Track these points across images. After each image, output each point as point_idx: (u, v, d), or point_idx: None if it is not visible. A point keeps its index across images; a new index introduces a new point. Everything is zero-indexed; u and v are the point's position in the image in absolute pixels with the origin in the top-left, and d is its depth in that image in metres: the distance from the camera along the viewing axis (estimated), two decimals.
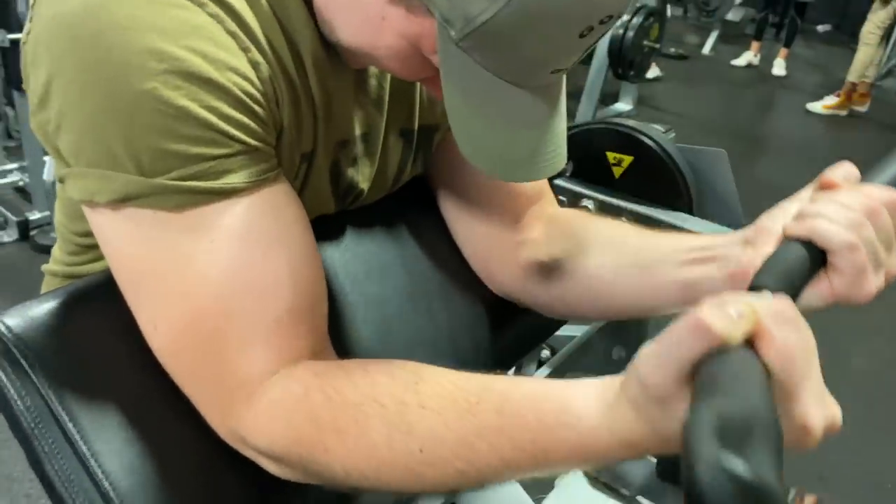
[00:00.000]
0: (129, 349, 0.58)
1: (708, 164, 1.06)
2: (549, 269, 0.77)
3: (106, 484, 0.53)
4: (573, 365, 1.14)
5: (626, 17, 4.00)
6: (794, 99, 5.91)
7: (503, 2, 0.45)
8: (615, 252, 0.72)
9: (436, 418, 0.48)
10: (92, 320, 0.59)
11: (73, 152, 0.51)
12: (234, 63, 0.51)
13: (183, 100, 0.48)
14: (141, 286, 0.53)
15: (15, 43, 2.40)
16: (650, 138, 1.06)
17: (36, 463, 0.53)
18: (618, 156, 1.10)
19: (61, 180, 0.54)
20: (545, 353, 1.29)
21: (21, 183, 2.88)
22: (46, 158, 2.43)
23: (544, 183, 0.81)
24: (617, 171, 1.11)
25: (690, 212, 1.09)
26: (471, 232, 0.81)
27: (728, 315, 0.37)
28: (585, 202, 1.10)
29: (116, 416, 0.56)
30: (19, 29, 2.40)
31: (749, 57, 6.65)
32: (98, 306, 0.60)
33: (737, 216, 1.11)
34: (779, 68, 6.52)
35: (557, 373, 1.10)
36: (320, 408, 0.51)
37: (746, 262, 0.59)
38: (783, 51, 6.54)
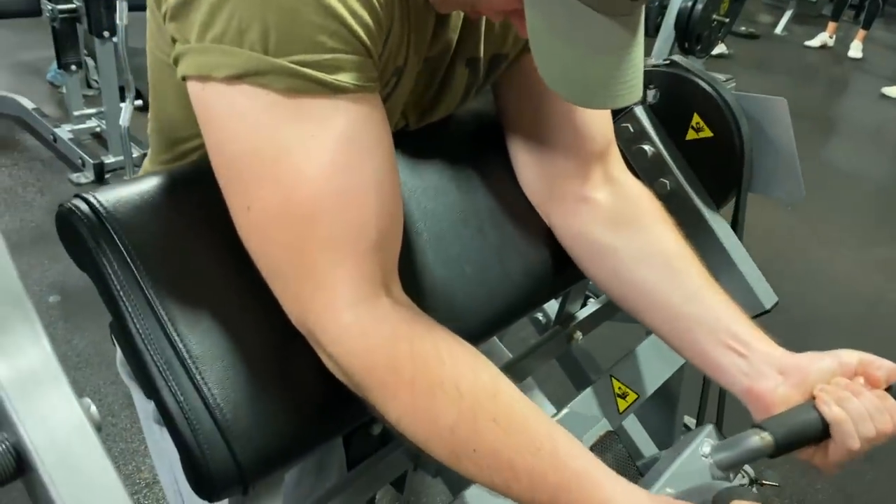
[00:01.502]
0: (211, 233, 0.63)
1: (765, 112, 1.06)
2: (600, 249, 0.80)
3: (181, 345, 0.58)
4: (617, 308, 1.16)
5: (688, 3, 3.90)
6: (870, 82, 5.68)
7: None
8: (667, 282, 0.76)
9: (501, 437, 0.56)
10: (177, 202, 0.64)
11: (200, 28, 0.53)
12: None
13: None
14: (238, 166, 0.56)
15: None
16: (711, 86, 1.06)
17: (120, 321, 0.59)
18: (702, 123, 1.09)
19: (175, 61, 0.57)
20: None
21: (98, 129, 3.02)
22: (122, 105, 2.54)
23: (613, 142, 0.82)
24: (691, 135, 1.11)
25: (741, 162, 1.08)
26: (533, 166, 0.83)
27: None
28: (645, 145, 1.10)
29: (194, 290, 0.61)
30: None
31: (824, 38, 6.40)
32: (183, 191, 0.65)
33: (794, 173, 1.10)
34: (855, 51, 6.27)
35: (602, 312, 1.12)
36: (404, 361, 0.56)
37: (768, 392, 0.69)
38: (861, 32, 6.28)
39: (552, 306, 1.27)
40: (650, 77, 1.11)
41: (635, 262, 0.77)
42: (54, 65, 3.11)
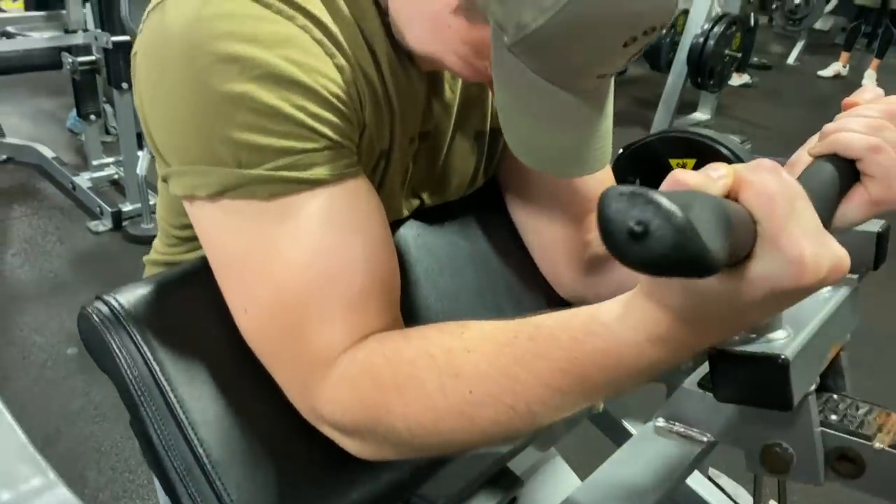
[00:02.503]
0: (223, 329, 0.63)
1: None
2: (610, 258, 0.78)
3: (200, 450, 0.58)
4: None
5: (706, 26, 3.93)
6: None
7: (553, 12, 0.49)
8: None
9: (480, 357, 0.50)
10: (192, 301, 0.64)
11: (176, 153, 0.57)
12: (322, 67, 0.55)
13: (275, 100, 0.53)
14: (233, 271, 0.58)
15: (117, 45, 2.56)
16: (724, 146, 1.05)
17: (141, 426, 0.59)
18: (681, 161, 1.08)
19: (164, 179, 0.60)
20: None
21: (116, 176, 3.07)
22: (140, 154, 2.58)
23: (609, 178, 0.82)
24: None
25: None
26: (538, 234, 0.84)
27: (706, 174, 0.38)
28: None
29: (211, 390, 0.61)
30: (122, 32, 2.56)
31: (837, 68, 6.41)
32: (197, 288, 0.65)
33: None
34: (869, 80, 6.25)
35: None
36: (380, 368, 0.54)
37: None
38: (875, 62, 6.27)
39: None
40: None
41: None
42: (74, 112, 3.16)
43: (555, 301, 0.85)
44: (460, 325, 0.54)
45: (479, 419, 0.50)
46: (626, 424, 1.26)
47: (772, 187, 0.37)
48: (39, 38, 2.79)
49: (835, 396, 0.54)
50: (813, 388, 0.49)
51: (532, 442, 0.91)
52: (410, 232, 0.80)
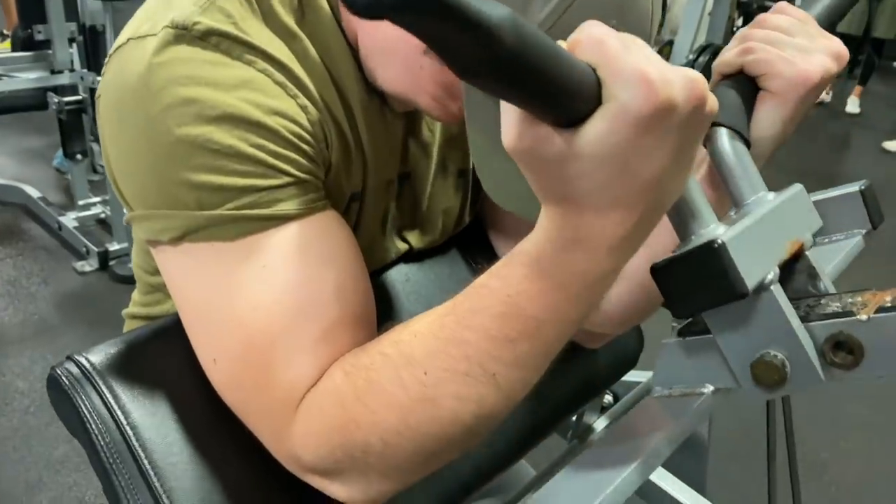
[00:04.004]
0: (200, 387, 0.60)
1: None
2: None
3: None
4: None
5: (690, 56, 3.97)
6: (870, 137, 5.71)
7: None
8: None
9: (426, 336, 0.48)
10: (166, 358, 0.61)
11: (138, 197, 0.55)
12: (282, 107, 0.54)
13: (233, 140, 0.52)
14: (199, 320, 0.55)
15: None
16: None
17: (113, 496, 0.55)
18: None
19: (129, 223, 0.58)
20: (608, 398, 1.27)
21: (103, 215, 3.03)
22: None
23: None
24: None
25: None
26: None
27: None
28: None
29: (188, 454, 0.58)
30: None
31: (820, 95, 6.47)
32: (172, 345, 0.62)
33: None
34: (852, 106, 6.32)
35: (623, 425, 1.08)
36: (341, 385, 0.51)
37: None
38: (857, 88, 6.34)
39: None
40: None
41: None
42: (61, 151, 3.14)
43: None
44: (408, 321, 0.52)
45: (442, 399, 0.47)
46: None
47: (599, 32, 0.36)
48: (25, 78, 2.78)
49: (813, 297, 0.52)
50: (771, 276, 0.45)
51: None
52: (399, 276, 0.77)
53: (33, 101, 2.71)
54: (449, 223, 0.78)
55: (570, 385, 0.85)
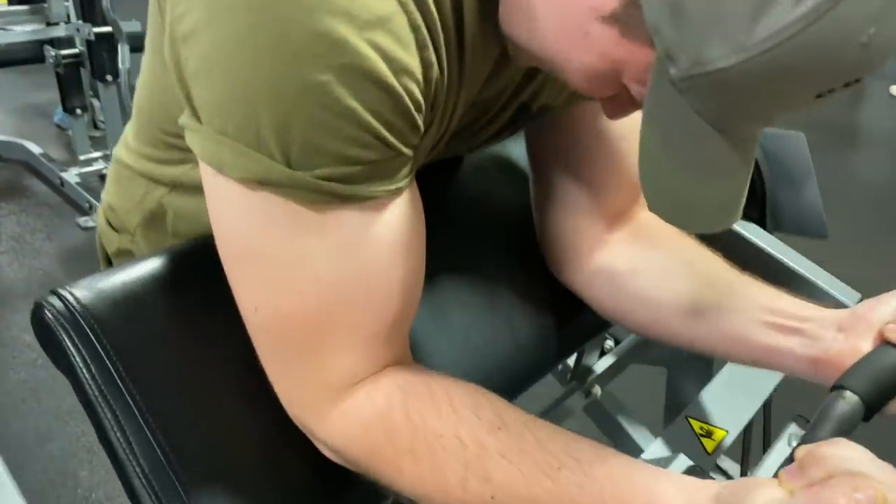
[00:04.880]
0: (195, 325, 0.59)
1: (784, 149, 1.01)
2: (620, 277, 0.75)
3: (168, 452, 0.54)
4: (636, 356, 1.11)
5: None
6: (877, 84, 5.58)
7: (752, 53, 0.39)
8: (698, 285, 0.70)
9: (514, 472, 0.49)
10: (159, 295, 0.60)
11: (212, 113, 0.47)
12: (411, 65, 0.47)
13: (352, 100, 0.44)
14: (250, 266, 0.52)
15: (99, 36, 2.51)
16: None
17: (99, 429, 0.55)
18: None
19: (183, 126, 0.50)
20: (609, 343, 1.26)
21: (105, 171, 3.01)
22: None
23: (637, 185, 0.77)
24: None
25: (763, 204, 1.04)
26: (557, 218, 0.78)
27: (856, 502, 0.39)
28: None
29: (179, 389, 0.57)
30: (104, 23, 2.51)
31: None
32: (166, 282, 0.61)
33: (817, 210, 1.05)
34: None
35: (620, 364, 1.07)
36: (401, 428, 0.52)
37: (835, 352, 0.59)
38: None
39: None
40: None
41: (660, 277, 0.72)
42: (61, 108, 3.11)
43: (551, 284, 0.81)
44: (498, 415, 0.52)
45: None
46: (621, 420, 1.22)
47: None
48: (21, 31, 2.73)
49: None
50: None
51: None
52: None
53: (29, 55, 2.68)
54: (480, 143, 0.73)
55: (572, 325, 0.84)
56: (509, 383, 0.78)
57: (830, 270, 0.98)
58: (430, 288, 0.74)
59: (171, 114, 0.57)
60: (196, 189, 0.54)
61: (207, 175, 0.50)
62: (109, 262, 0.81)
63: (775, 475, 0.45)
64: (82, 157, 2.96)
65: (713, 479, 0.74)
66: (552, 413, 0.98)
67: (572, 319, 0.84)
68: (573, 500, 0.48)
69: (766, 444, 1.14)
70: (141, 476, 0.53)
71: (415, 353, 0.70)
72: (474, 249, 0.81)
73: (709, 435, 0.92)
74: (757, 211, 1.03)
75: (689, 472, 0.74)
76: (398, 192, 0.51)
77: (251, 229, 0.50)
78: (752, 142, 0.50)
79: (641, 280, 0.73)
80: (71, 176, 2.85)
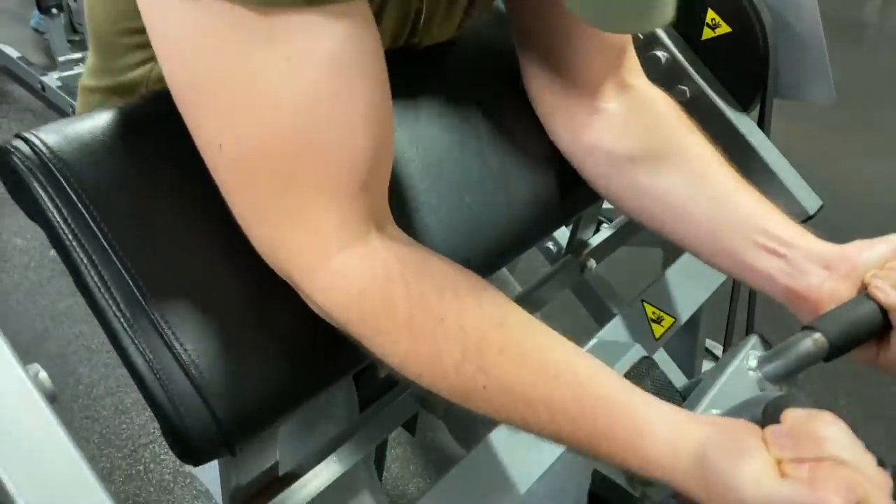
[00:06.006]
0: (169, 171, 0.56)
1: (790, 5, 0.96)
2: (615, 161, 0.72)
3: (146, 294, 0.52)
4: (633, 233, 1.09)
5: None
6: None
7: None
8: (691, 186, 0.68)
9: (511, 370, 0.50)
10: (130, 141, 0.57)
11: None
12: None
13: None
14: (203, 97, 0.48)
15: None
16: None
17: (76, 273, 0.53)
18: (718, 19, 0.98)
19: None
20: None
21: None
22: None
23: (627, 47, 0.73)
24: (707, 34, 1.00)
25: (765, 65, 0.99)
26: (542, 79, 0.75)
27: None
28: (657, 51, 1.01)
29: (154, 233, 0.55)
30: None
31: None
32: (137, 128, 0.58)
33: (824, 70, 1.00)
34: None
35: (617, 237, 1.05)
36: (399, 302, 0.50)
37: (814, 289, 0.62)
38: None
39: (563, 233, 1.20)
40: None
41: (654, 170, 0.70)
42: (36, 11, 2.99)
43: (543, 149, 0.78)
44: (501, 310, 0.52)
45: (477, 406, 0.51)
46: (610, 304, 1.22)
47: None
48: None
49: None
50: None
51: None
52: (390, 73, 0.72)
53: None
54: (455, 17, 0.72)
55: (570, 193, 0.82)
56: (503, 246, 0.77)
57: None
58: (423, 146, 0.72)
59: (130, 11, 0.55)
60: (164, 81, 0.50)
61: (147, 8, 0.48)
62: None
63: (762, 426, 0.48)
64: (61, 59, 2.86)
65: (660, 369, 0.76)
66: (545, 287, 0.97)
67: (568, 186, 0.81)
68: (564, 409, 0.49)
69: (727, 345, 1.15)
70: (121, 318, 0.52)
71: (405, 211, 0.68)
72: (468, 112, 0.77)
73: (658, 321, 0.93)
74: (759, 68, 0.99)
75: (639, 364, 0.76)
76: (351, 6, 0.46)
77: (197, 48, 0.46)
78: None
79: (636, 167, 0.71)
80: (52, 80, 2.75)
